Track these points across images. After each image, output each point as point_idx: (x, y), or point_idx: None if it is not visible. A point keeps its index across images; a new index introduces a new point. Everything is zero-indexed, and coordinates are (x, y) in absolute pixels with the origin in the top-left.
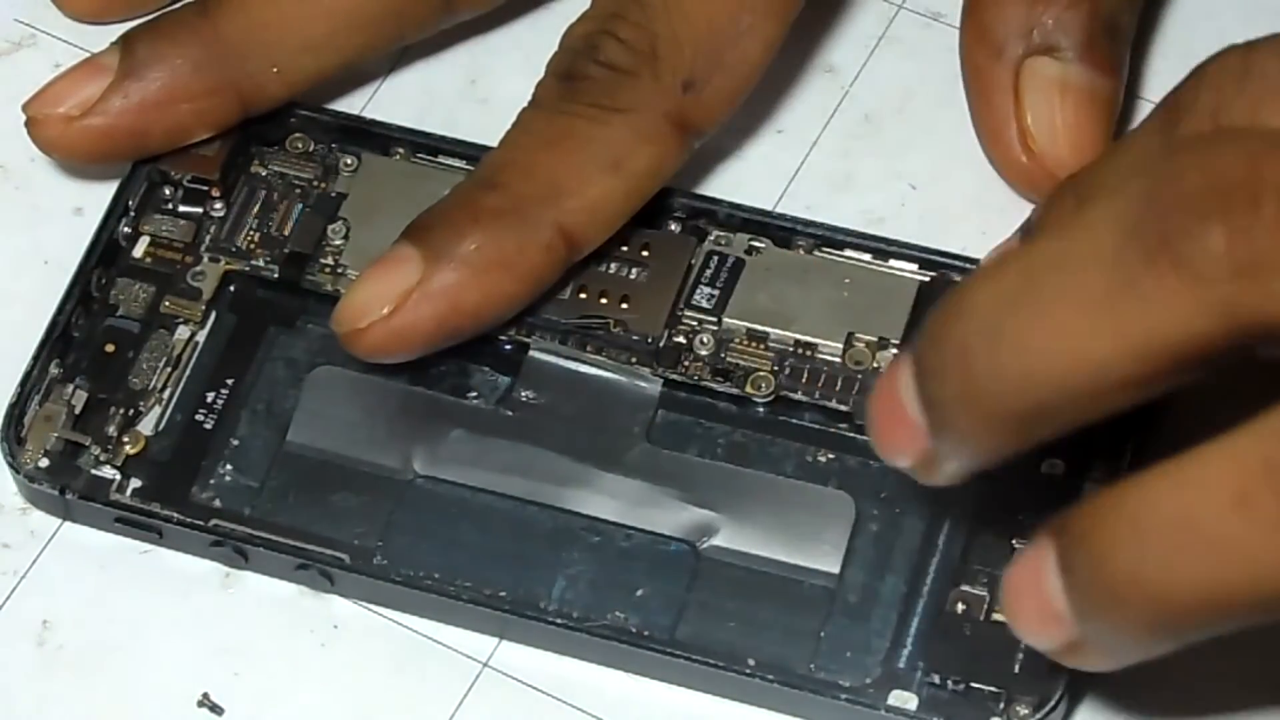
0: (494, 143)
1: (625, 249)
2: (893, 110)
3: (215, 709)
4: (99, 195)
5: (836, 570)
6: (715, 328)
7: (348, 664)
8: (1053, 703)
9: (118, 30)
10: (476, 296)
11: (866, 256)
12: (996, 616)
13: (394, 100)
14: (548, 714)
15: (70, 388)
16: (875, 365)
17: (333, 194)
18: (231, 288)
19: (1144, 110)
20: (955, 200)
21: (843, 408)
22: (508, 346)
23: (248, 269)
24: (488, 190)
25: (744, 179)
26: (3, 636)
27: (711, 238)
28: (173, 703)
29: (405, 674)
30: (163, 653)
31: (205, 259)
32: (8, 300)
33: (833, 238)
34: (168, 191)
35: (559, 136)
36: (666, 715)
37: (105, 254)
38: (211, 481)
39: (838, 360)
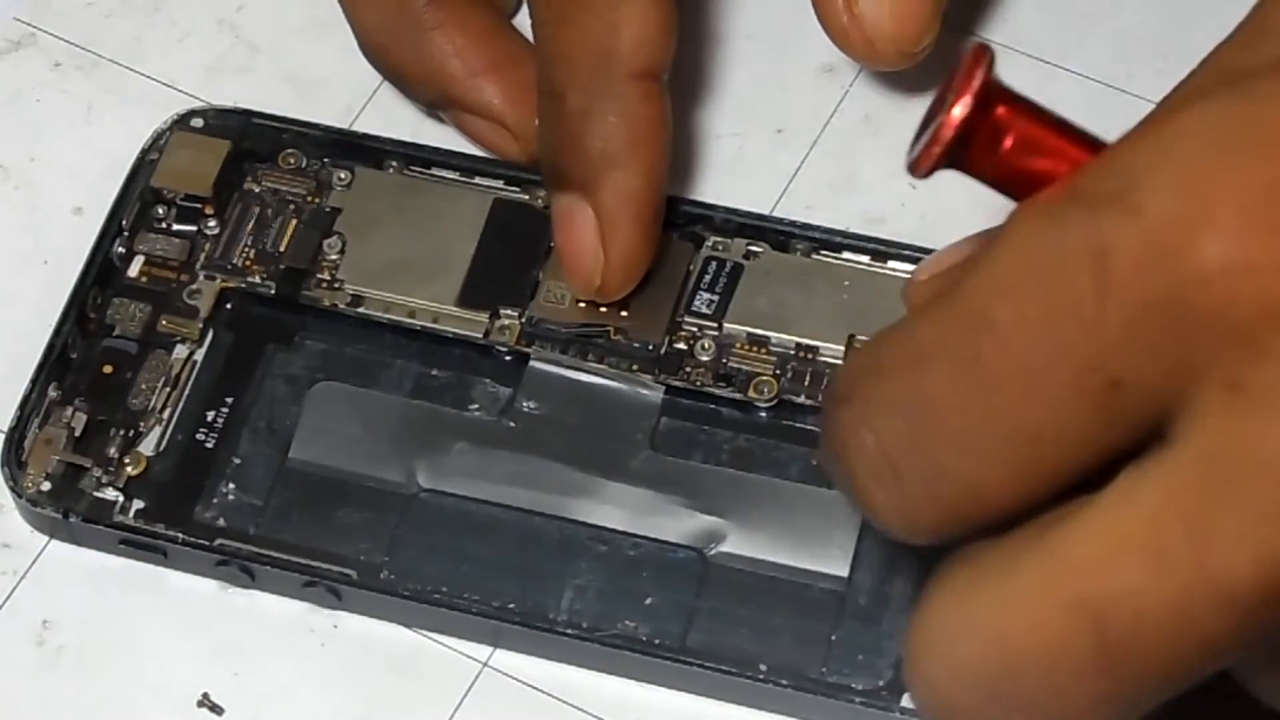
0: (487, 154)
1: None
2: (893, 110)
3: (215, 709)
4: (99, 195)
5: (845, 573)
6: (716, 333)
7: (348, 664)
8: None
9: (119, 30)
10: None
11: (865, 258)
12: None
13: (386, 113)
14: (547, 715)
15: (70, 410)
16: None
17: (327, 209)
18: (228, 305)
19: (1136, 106)
20: (955, 200)
21: None
22: (508, 357)
23: (244, 286)
24: None
25: (744, 179)
26: (3, 636)
27: (709, 243)
28: (173, 703)
29: (405, 674)
30: (163, 653)
31: (201, 277)
32: (8, 300)
33: (830, 240)
34: (161, 210)
35: None
36: (666, 714)
37: (100, 274)
38: (215, 501)
39: (839, 362)
